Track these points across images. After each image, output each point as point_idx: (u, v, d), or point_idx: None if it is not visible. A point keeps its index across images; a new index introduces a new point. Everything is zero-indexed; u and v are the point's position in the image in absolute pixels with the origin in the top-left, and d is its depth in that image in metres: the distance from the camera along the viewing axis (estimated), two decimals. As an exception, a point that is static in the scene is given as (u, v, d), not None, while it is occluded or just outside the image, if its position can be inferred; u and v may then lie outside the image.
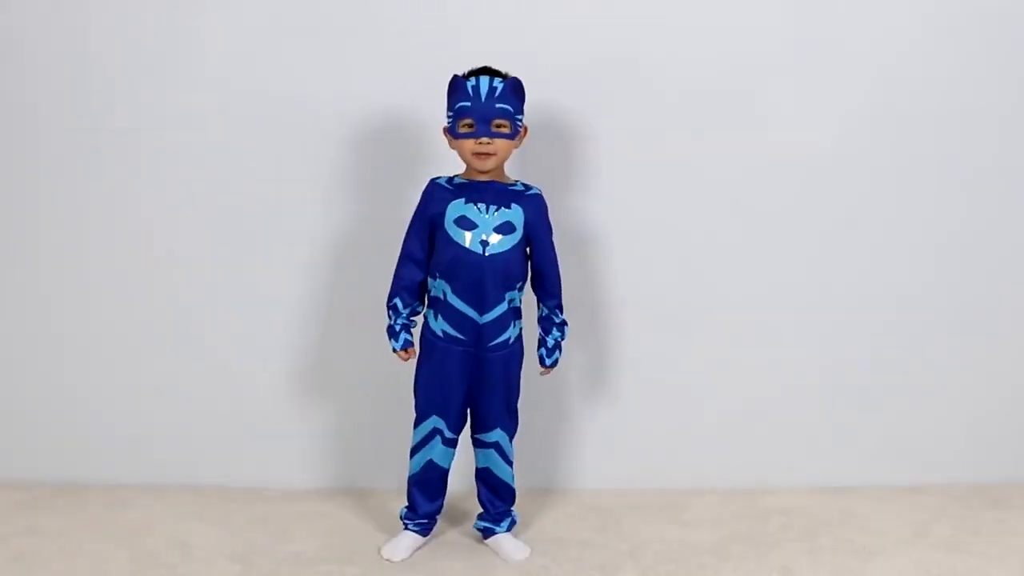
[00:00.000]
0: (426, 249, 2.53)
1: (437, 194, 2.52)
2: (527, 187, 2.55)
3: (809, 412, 2.97)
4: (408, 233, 2.54)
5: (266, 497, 2.92)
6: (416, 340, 2.57)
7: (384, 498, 2.89)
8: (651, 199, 2.91)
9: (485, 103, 2.44)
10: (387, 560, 2.55)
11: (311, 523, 2.76)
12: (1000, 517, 2.77)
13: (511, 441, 2.61)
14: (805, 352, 2.96)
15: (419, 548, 2.60)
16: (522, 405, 2.83)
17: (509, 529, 2.63)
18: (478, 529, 2.65)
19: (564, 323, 2.60)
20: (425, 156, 2.85)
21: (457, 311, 2.48)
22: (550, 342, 2.58)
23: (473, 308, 2.47)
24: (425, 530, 2.62)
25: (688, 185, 2.90)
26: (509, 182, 2.54)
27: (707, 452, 2.98)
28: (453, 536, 2.70)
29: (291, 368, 2.97)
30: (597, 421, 2.98)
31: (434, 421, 2.55)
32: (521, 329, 2.57)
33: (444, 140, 2.54)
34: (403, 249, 2.55)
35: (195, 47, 2.87)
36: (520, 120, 2.49)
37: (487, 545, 2.62)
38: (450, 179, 2.54)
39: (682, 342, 2.95)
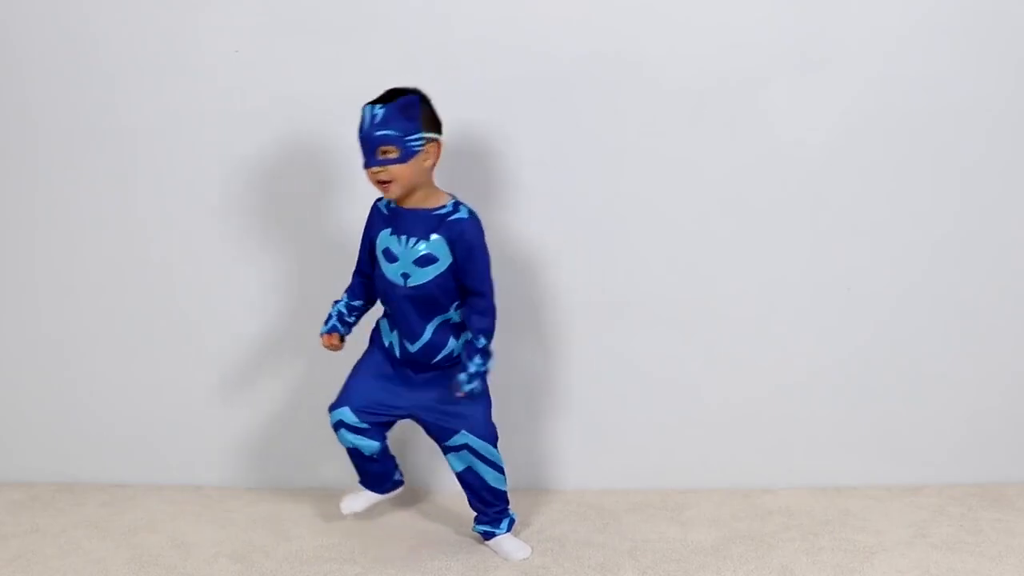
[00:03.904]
0: (370, 266, 2.56)
1: (375, 219, 2.55)
2: (456, 208, 2.48)
3: (809, 412, 2.97)
4: (360, 246, 2.59)
5: (266, 497, 2.92)
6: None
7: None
8: (650, 198, 2.90)
9: (367, 132, 2.41)
10: (343, 512, 2.68)
11: (311, 523, 2.76)
12: (1000, 517, 2.77)
13: (490, 445, 2.56)
14: (804, 352, 2.96)
15: (377, 504, 2.72)
16: (523, 405, 2.84)
17: (509, 529, 2.63)
18: (478, 532, 2.65)
19: (487, 351, 2.47)
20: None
21: (394, 335, 2.54)
22: (471, 368, 2.45)
23: (404, 337, 2.52)
24: (377, 487, 2.69)
25: (686, 183, 2.90)
26: (436, 206, 2.47)
27: (707, 452, 2.98)
28: (453, 536, 2.70)
29: (291, 367, 2.97)
30: (597, 421, 2.98)
31: (339, 413, 2.56)
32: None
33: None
34: (357, 260, 2.60)
35: (195, 47, 2.87)
36: (412, 141, 2.40)
37: (488, 546, 2.62)
38: (389, 202, 2.53)
39: (682, 341, 2.95)
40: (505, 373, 2.95)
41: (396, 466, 2.73)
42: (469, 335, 2.49)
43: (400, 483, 2.75)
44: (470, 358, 2.46)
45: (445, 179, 2.90)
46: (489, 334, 2.48)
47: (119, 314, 2.98)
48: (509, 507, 2.64)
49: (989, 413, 2.98)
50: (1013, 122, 2.87)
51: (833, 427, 2.98)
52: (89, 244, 2.96)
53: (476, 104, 2.83)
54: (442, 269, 2.46)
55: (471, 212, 2.49)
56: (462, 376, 2.46)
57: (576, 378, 2.97)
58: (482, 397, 2.54)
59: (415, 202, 2.48)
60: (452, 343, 2.52)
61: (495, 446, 2.57)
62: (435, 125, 2.46)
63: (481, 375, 2.47)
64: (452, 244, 2.45)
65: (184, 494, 2.94)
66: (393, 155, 2.40)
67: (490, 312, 2.48)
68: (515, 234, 2.89)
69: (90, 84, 2.89)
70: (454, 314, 2.52)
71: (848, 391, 2.97)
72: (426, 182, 2.47)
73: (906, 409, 2.98)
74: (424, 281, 2.46)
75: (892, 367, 2.96)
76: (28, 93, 2.91)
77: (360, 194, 2.90)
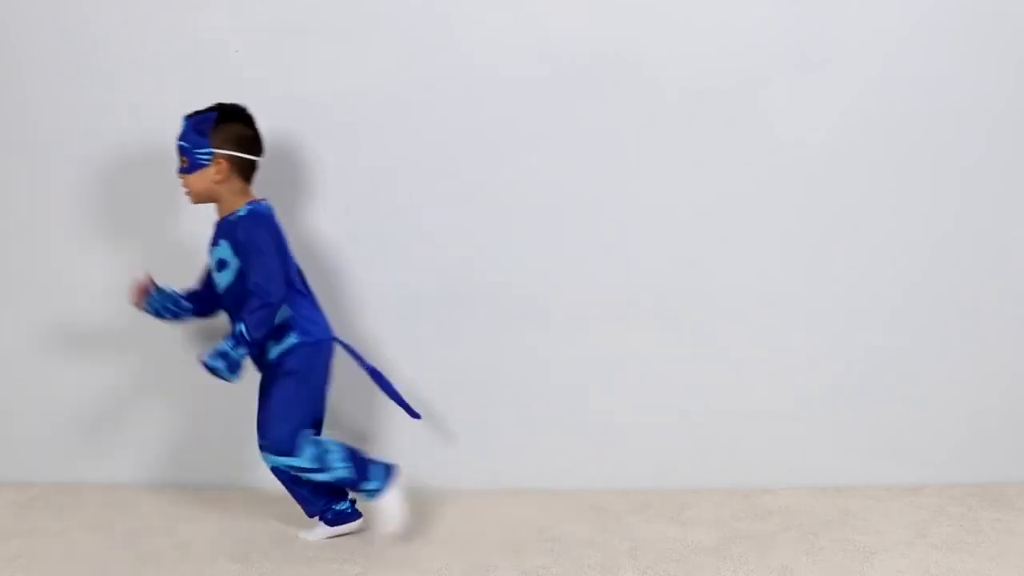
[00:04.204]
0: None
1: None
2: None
3: (809, 412, 2.97)
4: None
5: (266, 497, 2.92)
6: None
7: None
8: (650, 198, 2.90)
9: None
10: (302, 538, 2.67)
11: (311, 523, 2.76)
12: (1000, 517, 2.77)
13: (277, 454, 2.56)
14: (804, 352, 2.96)
15: (336, 536, 2.67)
16: (523, 404, 2.83)
17: (336, 521, 2.66)
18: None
19: (243, 337, 2.46)
20: (424, 156, 2.86)
21: None
22: (219, 346, 2.47)
23: None
24: (321, 514, 2.67)
25: (686, 183, 2.90)
26: (230, 213, 2.56)
27: (707, 452, 2.98)
28: (453, 536, 2.70)
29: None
30: (597, 420, 2.98)
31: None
32: (298, 343, 2.56)
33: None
34: None
35: (195, 47, 2.87)
36: (199, 154, 2.52)
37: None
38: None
39: (682, 341, 2.95)
40: (506, 373, 2.96)
41: (342, 495, 2.69)
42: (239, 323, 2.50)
43: (352, 516, 2.69)
44: (224, 338, 2.49)
45: (445, 177, 2.91)
46: (252, 326, 2.47)
47: (119, 313, 2.97)
48: (325, 504, 2.66)
49: (989, 413, 2.98)
50: (1013, 122, 2.87)
51: (833, 427, 2.98)
52: (89, 243, 2.96)
53: (476, 104, 2.83)
54: (235, 271, 2.54)
55: (250, 210, 2.54)
56: (209, 350, 2.48)
57: (576, 378, 2.97)
58: (282, 412, 2.57)
59: (220, 213, 2.59)
60: (274, 347, 2.57)
61: (289, 455, 2.56)
62: (236, 144, 2.54)
63: (224, 355, 2.46)
64: (235, 246, 2.53)
65: (184, 494, 2.94)
66: (184, 165, 2.55)
67: (260, 310, 2.47)
68: (515, 233, 2.89)
69: (90, 84, 2.89)
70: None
71: (848, 391, 2.97)
72: (225, 195, 2.56)
73: (906, 409, 2.98)
74: (224, 285, 2.57)
75: (892, 367, 2.96)
76: (28, 93, 2.91)
77: (362, 192, 2.91)
